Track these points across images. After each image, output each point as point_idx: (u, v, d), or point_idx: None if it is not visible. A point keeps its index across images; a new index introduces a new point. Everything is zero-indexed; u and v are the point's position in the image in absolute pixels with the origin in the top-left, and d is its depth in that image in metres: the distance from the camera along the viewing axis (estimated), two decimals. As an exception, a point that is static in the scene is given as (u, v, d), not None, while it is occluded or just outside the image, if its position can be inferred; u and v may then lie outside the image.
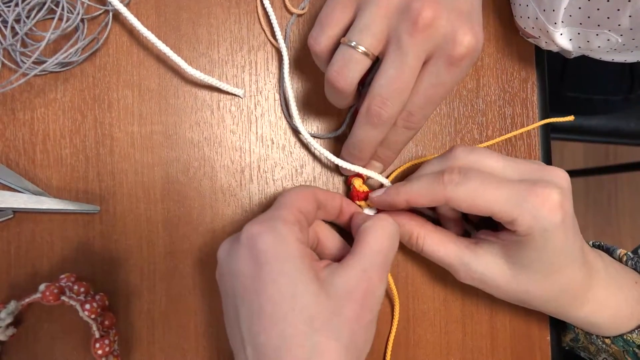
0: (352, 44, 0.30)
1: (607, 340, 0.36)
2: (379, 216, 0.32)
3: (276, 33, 0.38)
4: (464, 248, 0.34)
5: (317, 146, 0.37)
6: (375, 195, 0.35)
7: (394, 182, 0.38)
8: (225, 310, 0.30)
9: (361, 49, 0.30)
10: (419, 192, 0.33)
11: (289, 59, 0.39)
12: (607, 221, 1.43)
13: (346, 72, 0.31)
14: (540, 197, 0.29)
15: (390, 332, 0.38)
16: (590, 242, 0.39)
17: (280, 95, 0.38)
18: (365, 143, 0.33)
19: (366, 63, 0.31)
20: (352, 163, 0.36)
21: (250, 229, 0.28)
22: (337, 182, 0.39)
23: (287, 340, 0.26)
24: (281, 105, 0.38)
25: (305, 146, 0.38)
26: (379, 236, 0.30)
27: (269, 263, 0.27)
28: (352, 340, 0.27)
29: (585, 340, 0.38)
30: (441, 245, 0.34)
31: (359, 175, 0.37)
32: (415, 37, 0.30)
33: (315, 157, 0.38)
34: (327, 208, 0.33)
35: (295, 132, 0.38)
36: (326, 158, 0.37)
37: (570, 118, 0.42)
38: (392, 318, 0.38)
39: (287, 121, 0.38)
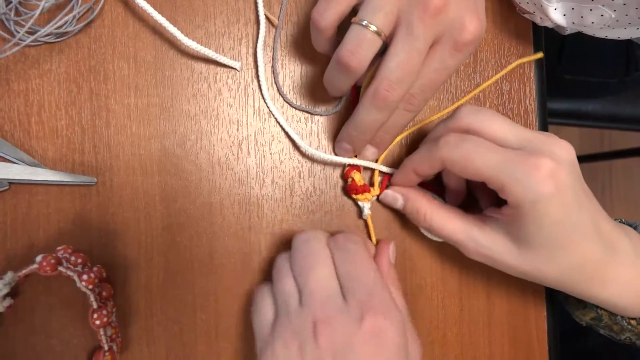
0: (364, 24, 0.30)
1: (633, 322, 0.34)
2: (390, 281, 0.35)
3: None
4: (470, 224, 0.33)
5: (292, 132, 0.37)
6: (393, 178, 0.37)
7: (383, 163, 0.38)
8: None
9: (373, 28, 0.30)
10: (420, 158, 0.33)
11: (285, 33, 0.38)
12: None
13: (360, 52, 0.30)
14: (530, 166, 0.29)
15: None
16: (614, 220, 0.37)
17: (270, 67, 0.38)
18: (368, 126, 0.33)
19: (378, 44, 0.31)
20: (351, 145, 0.36)
21: (374, 322, 0.29)
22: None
23: None
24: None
25: (302, 120, 0.38)
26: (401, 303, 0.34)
27: (392, 356, 0.29)
28: None
29: (609, 320, 0.36)
30: (449, 221, 0.34)
31: (356, 169, 0.37)
32: (427, 22, 0.30)
33: (312, 131, 0.38)
34: None
35: (292, 106, 0.38)
36: (291, 133, 0.36)
37: (540, 55, 0.41)
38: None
39: (280, 94, 0.38)
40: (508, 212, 0.31)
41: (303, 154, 0.38)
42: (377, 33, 0.30)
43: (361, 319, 0.29)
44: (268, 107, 0.38)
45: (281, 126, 0.38)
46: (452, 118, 0.33)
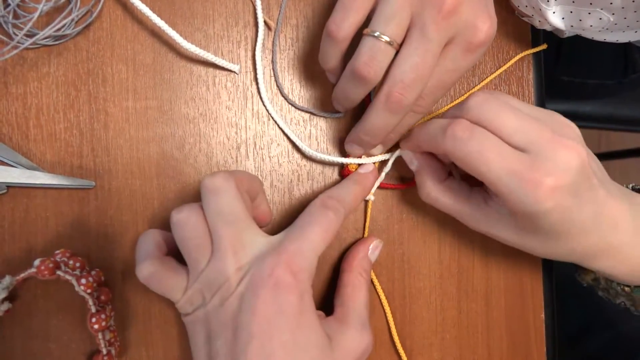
0: (376, 35, 0.30)
1: (627, 289, 0.36)
2: (364, 272, 0.35)
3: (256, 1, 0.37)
4: (475, 206, 0.34)
5: (293, 135, 0.37)
6: (401, 143, 0.37)
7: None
8: (204, 344, 0.30)
9: (385, 39, 0.30)
10: (424, 138, 0.33)
11: (285, 36, 0.38)
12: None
13: (376, 63, 0.30)
14: (530, 184, 0.28)
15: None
16: (630, 186, 0.38)
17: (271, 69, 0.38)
18: (381, 129, 0.33)
19: (392, 53, 0.31)
20: (361, 147, 0.36)
21: (278, 272, 0.28)
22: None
23: None
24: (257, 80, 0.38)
25: (301, 124, 0.38)
26: (365, 291, 0.35)
27: (293, 315, 0.28)
28: None
29: (605, 285, 0.38)
30: (452, 202, 0.35)
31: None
32: (440, 24, 0.30)
33: (310, 135, 0.38)
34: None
35: (295, 107, 0.38)
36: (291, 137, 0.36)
37: (544, 46, 0.41)
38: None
39: (281, 94, 0.38)
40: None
41: (304, 156, 0.38)
42: (390, 43, 0.30)
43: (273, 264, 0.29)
44: (267, 110, 0.38)
45: (280, 128, 0.38)
46: (462, 108, 0.32)
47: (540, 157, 0.29)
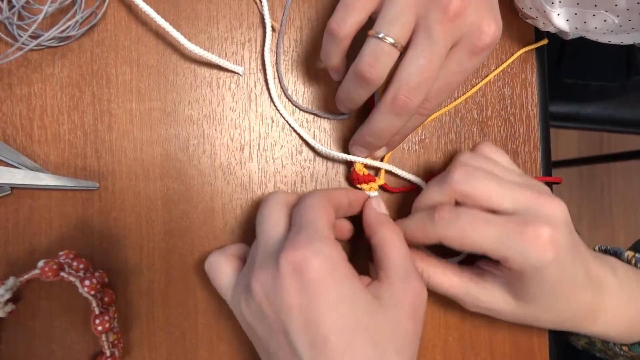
0: (380, 36, 0.30)
1: (625, 348, 0.36)
2: (385, 226, 0.33)
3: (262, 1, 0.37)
4: (468, 281, 0.34)
5: (304, 132, 0.37)
6: None
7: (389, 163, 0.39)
8: (268, 351, 0.30)
9: (390, 40, 0.30)
10: (413, 232, 0.33)
11: (288, 38, 0.38)
12: (601, 211, 1.44)
13: (379, 65, 0.30)
14: (530, 237, 0.29)
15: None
16: (596, 247, 0.38)
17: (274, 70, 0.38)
18: (386, 131, 0.33)
19: (396, 55, 0.31)
20: (366, 149, 0.36)
21: (292, 257, 0.27)
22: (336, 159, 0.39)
23: None
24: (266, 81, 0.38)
25: (305, 125, 0.38)
26: (396, 244, 0.32)
27: (325, 291, 0.27)
28: (411, 352, 0.29)
29: (602, 346, 0.38)
30: (445, 278, 0.34)
31: None
32: (446, 26, 0.30)
33: (314, 136, 0.38)
34: (339, 209, 0.34)
35: (300, 108, 0.38)
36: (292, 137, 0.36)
37: (545, 41, 0.41)
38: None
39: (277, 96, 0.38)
40: (507, 272, 0.32)
41: (312, 154, 0.38)
42: (394, 45, 0.30)
43: (280, 257, 0.28)
44: (278, 110, 0.38)
45: (292, 127, 0.38)
46: (445, 184, 0.32)
47: (530, 214, 0.30)
